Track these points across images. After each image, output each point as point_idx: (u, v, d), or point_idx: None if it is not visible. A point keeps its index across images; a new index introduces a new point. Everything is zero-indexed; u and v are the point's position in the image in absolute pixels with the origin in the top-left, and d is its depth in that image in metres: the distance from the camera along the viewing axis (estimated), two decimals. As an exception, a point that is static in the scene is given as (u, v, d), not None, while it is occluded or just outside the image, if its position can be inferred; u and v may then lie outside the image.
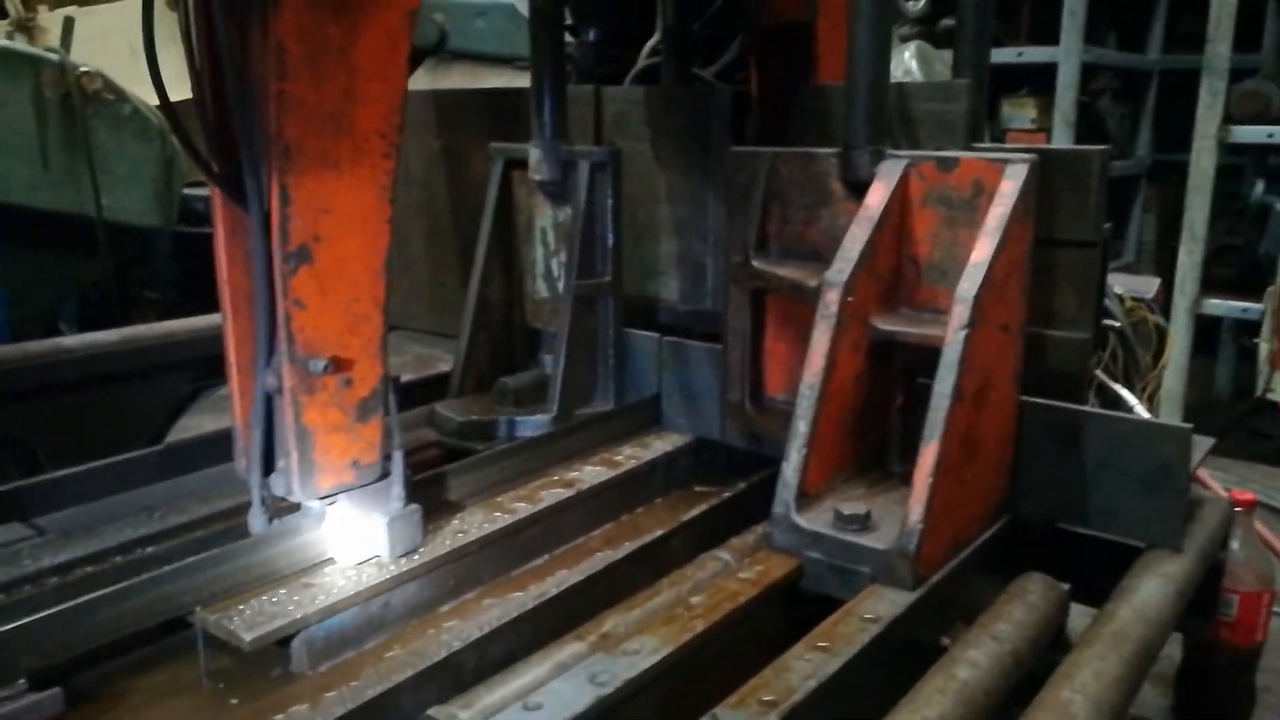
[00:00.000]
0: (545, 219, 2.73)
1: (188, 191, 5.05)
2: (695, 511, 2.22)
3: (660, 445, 2.53)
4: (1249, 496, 2.37)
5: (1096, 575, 1.97)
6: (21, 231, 4.12)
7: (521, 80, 4.43)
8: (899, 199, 2.07)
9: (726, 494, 2.32)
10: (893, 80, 4.33)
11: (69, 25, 4.36)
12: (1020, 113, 6.69)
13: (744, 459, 2.53)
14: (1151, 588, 1.78)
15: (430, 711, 1.42)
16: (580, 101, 3.02)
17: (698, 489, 2.49)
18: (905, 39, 4.58)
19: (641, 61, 3.25)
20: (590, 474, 2.32)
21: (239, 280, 1.72)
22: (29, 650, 1.50)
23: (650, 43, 3.26)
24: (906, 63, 3.99)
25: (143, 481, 2.37)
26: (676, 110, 2.89)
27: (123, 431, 3.44)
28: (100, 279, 4.64)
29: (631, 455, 2.45)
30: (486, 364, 2.82)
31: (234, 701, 1.64)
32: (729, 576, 1.82)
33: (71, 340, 3.74)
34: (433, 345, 3.54)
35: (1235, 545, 2.29)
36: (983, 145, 2.48)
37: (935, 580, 1.77)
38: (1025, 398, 2.08)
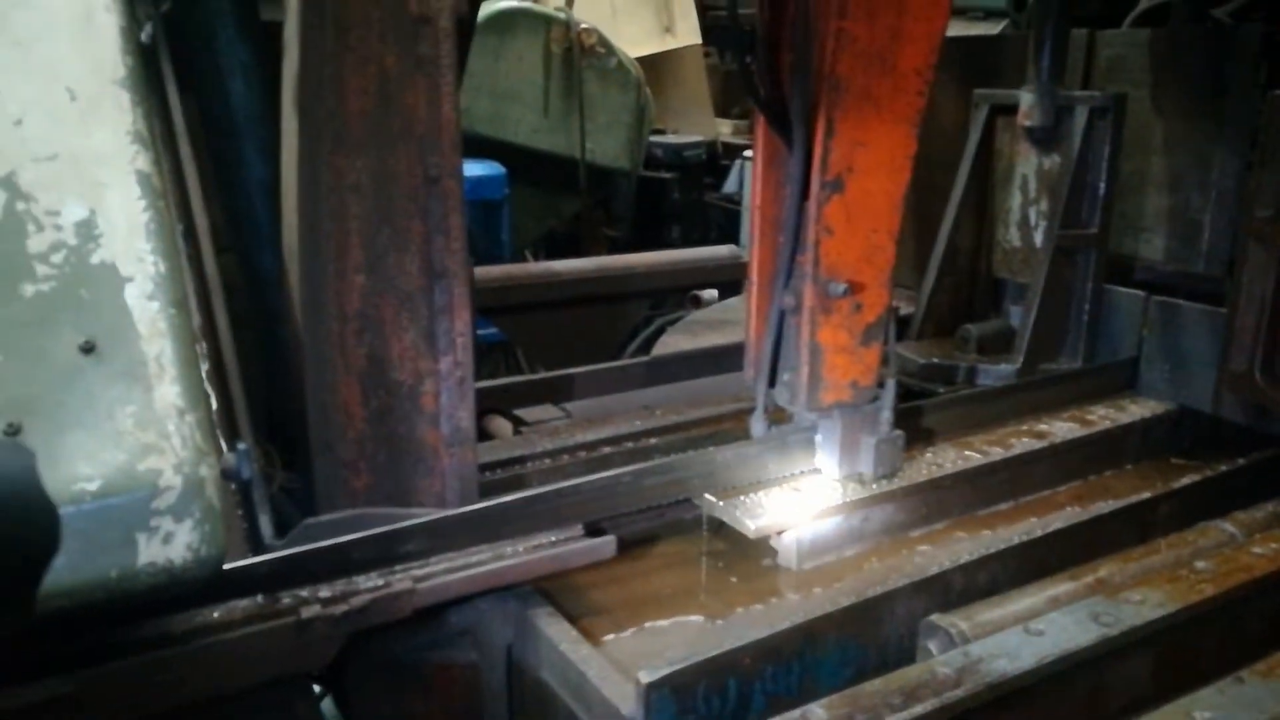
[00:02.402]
0: (1028, 166, 2.66)
1: (651, 139, 5.54)
2: (1185, 481, 2.09)
3: (1136, 410, 2.39)
4: None
5: None
6: (522, 169, 4.77)
7: (973, 31, 4.28)
8: None
9: (1223, 467, 2.16)
10: None
11: (574, -13, 4.94)
12: None
13: (1233, 434, 2.33)
14: None
15: (932, 618, 1.51)
16: (1070, 46, 2.88)
17: (1174, 460, 2.34)
18: None
19: (1145, 2, 3.01)
20: (1061, 429, 2.27)
21: (770, 207, 1.89)
22: (578, 505, 1.80)
23: (1156, -19, 3.01)
24: None
25: (633, 385, 2.70)
26: (1187, 52, 2.64)
27: (589, 346, 3.93)
28: (577, 214, 5.27)
29: (1105, 416, 2.35)
30: (947, 310, 2.83)
31: (733, 580, 1.86)
32: (1238, 549, 1.71)
33: (560, 265, 4.31)
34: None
35: None
36: None
37: None
38: None
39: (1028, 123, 2.58)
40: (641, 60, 5.42)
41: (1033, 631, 1.44)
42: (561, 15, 4.72)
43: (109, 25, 1.41)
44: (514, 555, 1.65)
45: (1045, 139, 2.60)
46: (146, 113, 1.46)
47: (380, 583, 1.54)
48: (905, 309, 2.95)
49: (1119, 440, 2.31)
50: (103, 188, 1.36)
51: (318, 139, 1.50)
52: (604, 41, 4.80)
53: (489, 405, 2.51)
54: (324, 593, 1.53)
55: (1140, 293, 2.52)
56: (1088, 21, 3.05)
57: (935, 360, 2.61)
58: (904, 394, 2.60)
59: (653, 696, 1.37)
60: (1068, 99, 2.54)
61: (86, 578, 1.18)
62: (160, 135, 1.63)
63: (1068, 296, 2.58)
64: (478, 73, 4.61)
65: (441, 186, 1.54)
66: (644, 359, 2.85)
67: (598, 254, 5.61)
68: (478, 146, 4.68)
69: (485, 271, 3.99)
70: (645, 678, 1.38)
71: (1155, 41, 2.74)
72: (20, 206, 1.21)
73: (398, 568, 1.58)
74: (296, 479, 1.86)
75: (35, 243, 1.21)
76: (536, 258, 5.46)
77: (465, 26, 1.70)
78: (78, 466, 1.17)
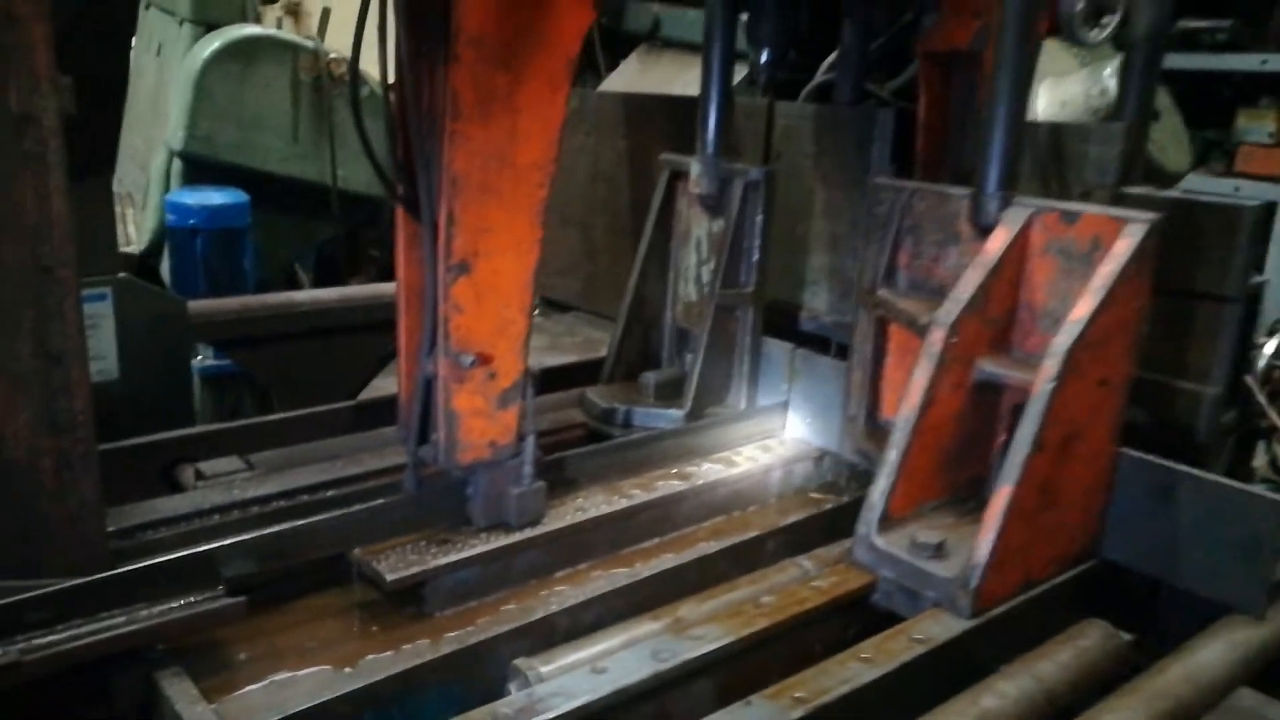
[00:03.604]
0: (701, 228, 2.95)
1: (413, 165, 5.61)
2: (796, 517, 2.40)
3: (781, 451, 2.71)
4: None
5: (1185, 632, 2.01)
6: (271, 196, 4.76)
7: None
8: (1020, 245, 2.14)
9: (829, 505, 2.48)
10: (1089, 100, 4.21)
11: (326, 15, 4.95)
12: (1258, 125, 6.20)
13: (866, 473, 2.67)
14: (1213, 652, 1.81)
15: (516, 661, 1.71)
16: (755, 115, 3.20)
17: (813, 495, 2.67)
18: (1110, 54, 4.37)
19: (818, 77, 3.38)
20: (708, 470, 2.54)
21: (413, 281, 2.05)
22: (228, 564, 1.91)
23: (828, 60, 3.38)
24: (1105, 80, 3.85)
25: (338, 431, 2.80)
26: (842, 129, 3.00)
27: (337, 378, 3.98)
28: (333, 239, 5.28)
29: (750, 457, 2.65)
30: (636, 356, 3.08)
31: (374, 629, 2.00)
32: (803, 583, 2.00)
33: (300, 295, 4.34)
34: (605, 329, 3.83)
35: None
36: (1134, 191, 2.47)
37: (995, 613, 1.88)
38: (1127, 450, 2.11)
39: (696, 190, 2.87)
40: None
41: (598, 670, 1.66)
42: (310, 44, 4.74)
43: None
44: (145, 619, 1.74)
45: (713, 205, 2.90)
46: None
47: (-8, 656, 1.60)
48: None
49: (759, 478, 2.61)
50: None
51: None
52: (356, 72, 4.84)
53: (180, 455, 2.56)
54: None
55: (788, 345, 2.85)
56: (777, 91, 3.37)
57: (615, 405, 2.85)
58: (590, 435, 2.86)
59: (245, 751, 1.51)
60: (728, 171, 2.84)
61: None
62: None
63: (730, 347, 2.88)
64: (222, 100, 4.57)
65: (55, 276, 1.62)
66: (348, 404, 2.95)
67: (366, 278, 5.63)
68: (224, 174, 4.64)
69: (221, 303, 3.97)
70: (236, 735, 1.51)
71: (818, 116, 3.09)
72: None
73: (18, 639, 1.65)
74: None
75: None
76: (302, 280, 5.45)
77: (89, 122, 1.77)
78: None
